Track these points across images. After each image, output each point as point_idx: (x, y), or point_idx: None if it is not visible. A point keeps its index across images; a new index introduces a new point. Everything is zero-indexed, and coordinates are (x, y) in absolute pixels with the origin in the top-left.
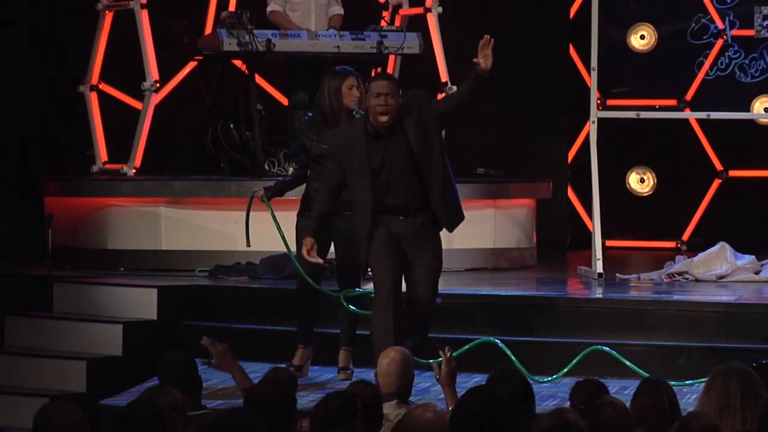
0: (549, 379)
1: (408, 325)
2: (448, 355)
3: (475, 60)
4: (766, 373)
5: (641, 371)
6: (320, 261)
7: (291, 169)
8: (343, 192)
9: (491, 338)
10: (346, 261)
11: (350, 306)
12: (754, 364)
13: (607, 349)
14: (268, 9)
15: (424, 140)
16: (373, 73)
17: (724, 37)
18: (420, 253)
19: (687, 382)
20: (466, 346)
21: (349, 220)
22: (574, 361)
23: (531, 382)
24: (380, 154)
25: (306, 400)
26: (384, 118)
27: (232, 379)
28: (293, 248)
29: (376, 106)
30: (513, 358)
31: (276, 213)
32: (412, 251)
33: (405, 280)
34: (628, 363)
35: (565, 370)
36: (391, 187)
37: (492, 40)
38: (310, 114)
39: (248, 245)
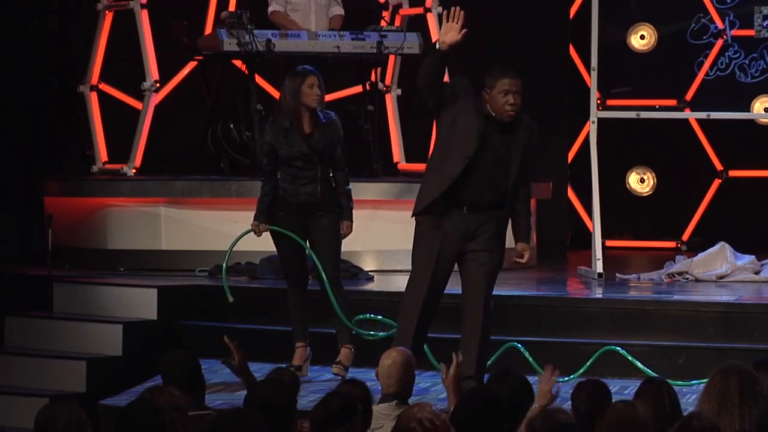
0: (566, 379)
1: (463, 331)
2: (457, 360)
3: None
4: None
5: (651, 372)
6: None
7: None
8: (316, 193)
9: (514, 343)
10: (327, 257)
11: (359, 328)
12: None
13: (621, 350)
14: (269, 9)
15: (522, 160)
16: (372, 75)
17: (724, 37)
18: (476, 254)
19: (692, 382)
20: (494, 356)
21: (324, 218)
22: (590, 361)
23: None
24: (486, 136)
25: (306, 400)
26: (512, 114)
27: (232, 379)
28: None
29: (504, 104)
30: (531, 359)
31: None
32: (470, 253)
33: (461, 277)
34: (639, 365)
35: (581, 370)
36: (475, 175)
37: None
38: (272, 117)
39: (231, 300)
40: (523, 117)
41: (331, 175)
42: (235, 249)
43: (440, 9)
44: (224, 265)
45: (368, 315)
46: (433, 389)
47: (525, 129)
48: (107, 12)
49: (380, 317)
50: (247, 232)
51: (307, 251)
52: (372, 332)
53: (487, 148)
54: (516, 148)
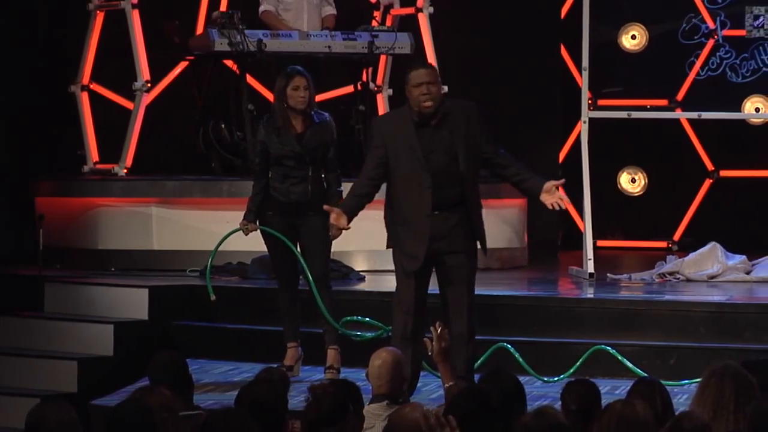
0: (557, 378)
1: (451, 330)
2: (439, 331)
3: (546, 200)
4: (758, 371)
5: (641, 372)
6: (347, 227)
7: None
8: (306, 193)
9: (503, 343)
10: (316, 257)
11: (347, 330)
12: (747, 363)
13: (611, 350)
14: (261, 9)
15: (468, 150)
16: (364, 75)
17: (715, 37)
18: (453, 256)
19: (683, 382)
20: (483, 357)
21: (314, 218)
22: (580, 361)
23: (540, 382)
24: (425, 142)
25: (297, 400)
26: (428, 104)
27: (223, 379)
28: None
29: (419, 96)
30: (521, 360)
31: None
32: (447, 255)
33: (438, 281)
34: (629, 364)
35: (572, 369)
36: (433, 179)
37: None
38: (267, 116)
39: (213, 298)
40: (457, 102)
41: (323, 176)
42: (226, 249)
43: (431, 9)
44: (209, 263)
45: (356, 317)
46: (424, 389)
47: (460, 112)
48: (98, 12)
49: (368, 319)
50: (234, 231)
51: (296, 254)
52: (359, 333)
53: (432, 151)
54: (457, 133)
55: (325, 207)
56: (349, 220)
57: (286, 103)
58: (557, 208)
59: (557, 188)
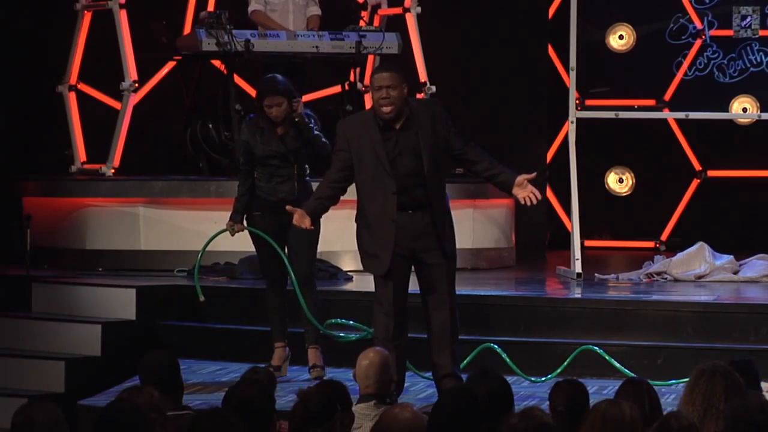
0: (544, 378)
1: (433, 332)
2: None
3: (518, 194)
4: (745, 370)
5: (629, 372)
6: (311, 227)
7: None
8: (293, 191)
9: (490, 344)
10: (302, 256)
11: (332, 331)
12: (733, 362)
13: (599, 350)
14: (250, 8)
15: (434, 150)
16: (351, 75)
17: (703, 37)
18: (429, 254)
19: (671, 382)
20: (469, 357)
21: None
22: (568, 360)
23: (528, 382)
24: (391, 146)
25: (285, 400)
26: (387, 109)
27: (211, 379)
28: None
29: (378, 99)
30: (508, 360)
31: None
32: (423, 254)
33: (418, 280)
34: (617, 364)
35: (559, 369)
36: (402, 182)
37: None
38: (250, 116)
39: (202, 299)
40: (421, 101)
41: (308, 174)
42: (214, 249)
43: (419, 9)
44: (197, 263)
45: (339, 320)
46: (412, 389)
47: (425, 112)
48: (86, 12)
49: (351, 322)
50: (221, 232)
51: (281, 255)
52: (343, 334)
53: (399, 154)
54: (423, 134)
55: (288, 208)
56: (312, 222)
57: (263, 114)
58: (529, 202)
59: (529, 181)
